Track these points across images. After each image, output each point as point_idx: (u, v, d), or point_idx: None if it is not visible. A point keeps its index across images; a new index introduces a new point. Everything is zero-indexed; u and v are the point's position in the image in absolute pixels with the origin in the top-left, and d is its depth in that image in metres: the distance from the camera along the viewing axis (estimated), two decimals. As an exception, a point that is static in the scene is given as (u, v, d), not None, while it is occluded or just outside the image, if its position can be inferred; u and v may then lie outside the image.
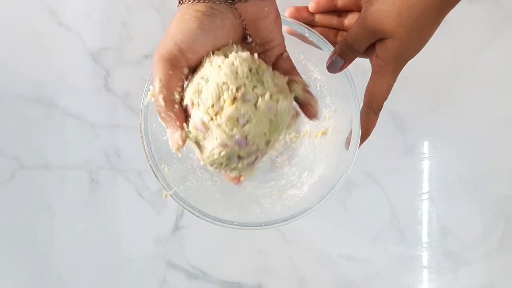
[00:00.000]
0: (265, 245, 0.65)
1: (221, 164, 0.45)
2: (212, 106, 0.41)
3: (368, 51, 0.46)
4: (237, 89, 0.42)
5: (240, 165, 0.45)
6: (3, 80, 0.64)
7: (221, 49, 0.44)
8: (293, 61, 0.48)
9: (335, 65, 0.47)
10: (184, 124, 0.43)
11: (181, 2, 0.42)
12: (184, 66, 0.42)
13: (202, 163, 0.45)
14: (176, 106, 0.42)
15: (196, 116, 0.42)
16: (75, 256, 0.65)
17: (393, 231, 0.64)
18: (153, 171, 0.52)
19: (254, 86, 0.42)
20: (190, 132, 0.43)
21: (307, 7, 0.52)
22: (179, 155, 0.44)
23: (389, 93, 0.46)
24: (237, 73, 0.42)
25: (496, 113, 0.64)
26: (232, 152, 0.43)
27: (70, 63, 0.65)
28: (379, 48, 0.44)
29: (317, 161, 0.58)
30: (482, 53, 0.64)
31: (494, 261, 0.64)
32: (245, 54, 0.43)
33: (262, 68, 0.44)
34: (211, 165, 0.45)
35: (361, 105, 0.49)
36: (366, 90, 0.47)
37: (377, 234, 0.64)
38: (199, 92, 0.42)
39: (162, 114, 0.42)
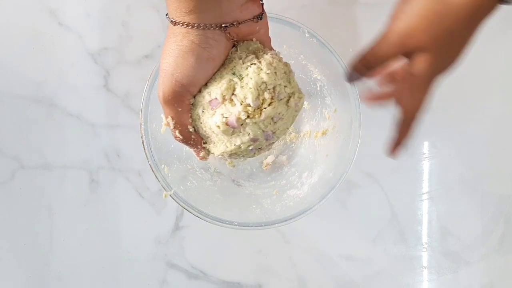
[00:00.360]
0: (265, 245, 0.65)
1: (239, 155, 0.48)
2: (249, 105, 0.43)
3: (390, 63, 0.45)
4: (274, 89, 0.44)
5: (256, 154, 0.49)
6: (3, 80, 0.64)
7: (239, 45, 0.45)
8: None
9: (352, 79, 0.46)
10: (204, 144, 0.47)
11: (173, 22, 0.41)
12: (189, 98, 0.43)
13: (215, 154, 0.47)
14: (193, 136, 0.45)
15: (230, 112, 0.44)
16: (75, 256, 0.65)
17: (393, 231, 0.64)
18: (153, 171, 0.52)
19: (285, 86, 0.45)
20: (202, 128, 0.46)
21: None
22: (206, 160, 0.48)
23: (425, 104, 0.44)
24: (275, 74, 0.44)
25: (496, 113, 0.64)
26: (259, 145, 0.46)
27: (70, 63, 0.65)
28: (410, 62, 0.42)
29: (317, 161, 0.58)
30: (482, 53, 0.64)
31: (494, 261, 0.64)
32: (279, 55, 0.46)
33: (289, 68, 0.46)
34: (230, 156, 0.47)
35: (361, 105, 0.49)
36: (397, 102, 0.45)
37: (377, 234, 0.64)
38: (233, 88, 0.44)
39: (182, 143, 0.45)
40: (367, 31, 0.64)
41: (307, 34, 0.51)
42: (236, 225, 0.52)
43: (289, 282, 0.64)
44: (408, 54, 0.41)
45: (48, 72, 0.64)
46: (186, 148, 0.54)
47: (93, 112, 0.64)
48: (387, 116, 0.64)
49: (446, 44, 0.39)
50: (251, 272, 0.64)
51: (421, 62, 0.40)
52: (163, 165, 0.53)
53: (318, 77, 0.57)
